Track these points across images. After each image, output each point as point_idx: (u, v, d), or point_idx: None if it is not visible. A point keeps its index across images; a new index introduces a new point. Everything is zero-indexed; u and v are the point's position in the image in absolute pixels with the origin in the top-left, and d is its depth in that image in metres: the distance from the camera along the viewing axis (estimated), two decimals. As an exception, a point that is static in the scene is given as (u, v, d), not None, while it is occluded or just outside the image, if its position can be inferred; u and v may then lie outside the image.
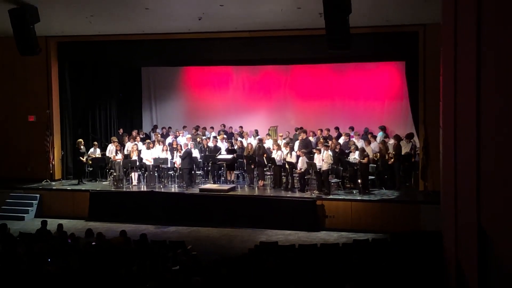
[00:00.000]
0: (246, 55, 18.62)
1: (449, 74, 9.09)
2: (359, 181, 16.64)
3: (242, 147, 18.60)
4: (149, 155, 18.41)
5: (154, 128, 21.97)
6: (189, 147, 18.05)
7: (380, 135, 18.70)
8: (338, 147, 17.32)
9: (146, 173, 18.48)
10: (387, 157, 17.06)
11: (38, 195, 18.26)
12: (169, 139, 19.99)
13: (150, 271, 9.40)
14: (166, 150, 18.53)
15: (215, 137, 19.75)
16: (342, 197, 16.26)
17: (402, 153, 17.18)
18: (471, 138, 6.58)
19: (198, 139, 19.51)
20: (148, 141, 19.34)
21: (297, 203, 16.20)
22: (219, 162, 18.11)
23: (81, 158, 18.97)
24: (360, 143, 17.61)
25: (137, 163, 18.39)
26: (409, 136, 17.43)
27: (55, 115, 19.62)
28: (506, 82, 4.57)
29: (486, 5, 5.68)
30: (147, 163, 18.38)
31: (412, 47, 16.71)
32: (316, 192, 16.55)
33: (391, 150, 17.24)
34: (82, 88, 20.44)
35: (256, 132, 20.09)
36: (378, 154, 17.11)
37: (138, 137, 19.85)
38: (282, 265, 9.93)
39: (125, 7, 15.20)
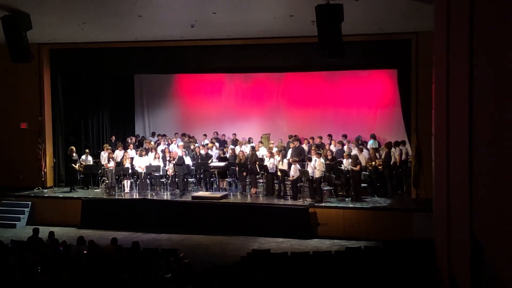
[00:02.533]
0: (239, 63, 18.65)
1: (442, 82, 9.11)
2: (351, 188, 16.65)
3: (234, 155, 18.57)
4: (142, 162, 18.35)
5: (142, 138, 21.78)
6: (180, 154, 18.06)
7: (370, 143, 18.72)
8: (329, 153, 17.33)
9: (138, 180, 18.42)
10: (376, 163, 17.07)
11: (29, 203, 18.14)
12: (161, 147, 19.93)
13: (142, 279, 9.34)
14: (158, 157, 18.49)
15: (206, 144, 19.74)
16: (334, 205, 16.24)
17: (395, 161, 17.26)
18: (463, 146, 6.59)
19: (192, 147, 19.48)
20: (140, 148, 19.29)
21: (289, 210, 16.18)
22: (212, 170, 18.09)
23: (73, 165, 18.90)
24: (355, 151, 17.61)
25: (129, 171, 18.34)
26: (396, 144, 17.46)
27: (47, 122, 19.56)
28: (499, 89, 4.58)
29: (478, 13, 5.70)
30: (140, 170, 18.31)
31: (405, 55, 16.77)
32: (309, 199, 16.52)
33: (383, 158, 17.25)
34: (74, 95, 20.41)
35: (249, 140, 20.12)
36: (370, 161, 17.10)
37: (131, 145, 19.79)
38: (275, 273, 9.90)
39: (117, 15, 15.18)
